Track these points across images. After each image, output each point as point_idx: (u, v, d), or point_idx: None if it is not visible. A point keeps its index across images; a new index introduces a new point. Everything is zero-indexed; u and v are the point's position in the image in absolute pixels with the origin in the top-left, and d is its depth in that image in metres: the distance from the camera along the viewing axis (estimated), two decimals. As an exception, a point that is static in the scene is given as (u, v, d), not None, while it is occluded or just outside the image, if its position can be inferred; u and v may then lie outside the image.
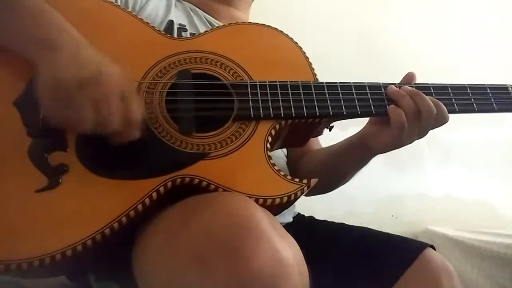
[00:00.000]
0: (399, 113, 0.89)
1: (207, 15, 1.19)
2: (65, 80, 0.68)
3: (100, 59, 0.73)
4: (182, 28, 1.07)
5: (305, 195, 0.81)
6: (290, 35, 0.96)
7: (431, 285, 0.91)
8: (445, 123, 0.93)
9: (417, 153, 2.16)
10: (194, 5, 1.20)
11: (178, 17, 1.11)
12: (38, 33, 0.75)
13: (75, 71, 0.69)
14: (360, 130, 1.02)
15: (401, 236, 1.05)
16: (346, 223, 1.12)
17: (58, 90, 0.69)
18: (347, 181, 1.16)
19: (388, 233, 1.06)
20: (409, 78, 0.98)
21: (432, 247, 0.98)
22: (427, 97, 0.90)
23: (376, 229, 1.08)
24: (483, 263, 1.82)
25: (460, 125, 2.19)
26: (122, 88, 0.71)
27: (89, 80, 0.68)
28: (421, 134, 0.93)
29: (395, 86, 0.94)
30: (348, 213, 1.98)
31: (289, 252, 0.60)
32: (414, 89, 0.92)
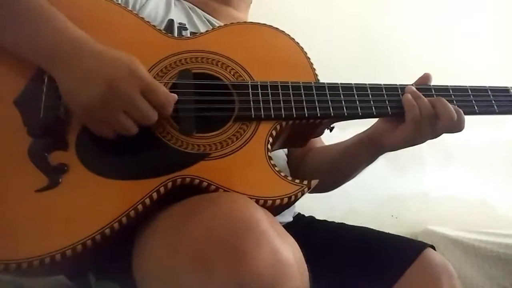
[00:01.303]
0: (414, 105, 0.90)
1: (206, 14, 1.19)
2: (88, 100, 0.72)
3: (105, 61, 0.74)
4: (182, 27, 1.07)
5: (310, 193, 0.81)
6: (292, 36, 0.96)
7: (431, 285, 0.91)
8: (459, 131, 0.94)
9: (418, 153, 2.15)
10: (193, 4, 1.20)
11: (177, 16, 1.11)
12: (39, 43, 0.77)
13: (92, 88, 0.72)
14: (370, 128, 1.03)
15: (401, 236, 1.05)
16: (346, 223, 1.12)
17: (87, 111, 0.73)
18: (352, 179, 1.15)
19: (388, 233, 1.06)
20: (424, 79, 0.99)
21: (432, 247, 0.98)
22: (449, 104, 0.91)
23: (376, 229, 1.08)
24: (483, 263, 1.82)
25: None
26: (138, 83, 0.73)
27: (107, 94, 0.71)
28: (435, 135, 0.94)
29: (399, 88, 0.95)
30: (348, 213, 1.98)
31: (289, 252, 0.60)
32: (436, 97, 0.93)
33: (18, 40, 0.79)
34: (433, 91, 0.96)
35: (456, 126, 0.92)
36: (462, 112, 0.92)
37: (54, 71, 0.76)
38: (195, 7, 1.19)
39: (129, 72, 0.73)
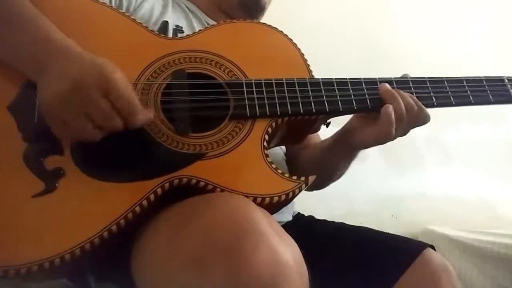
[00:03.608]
0: (390, 113, 0.89)
1: (207, 17, 1.19)
2: (47, 101, 0.71)
3: (81, 64, 0.72)
4: (178, 30, 1.06)
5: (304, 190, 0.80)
6: (292, 35, 0.96)
7: (431, 285, 0.91)
8: (425, 123, 0.93)
9: (417, 153, 2.15)
10: (199, 8, 1.20)
11: (175, 18, 1.10)
12: (25, 52, 0.76)
13: (52, 90, 0.70)
14: (345, 124, 1.02)
15: (401, 236, 1.05)
16: (346, 223, 1.12)
17: (48, 113, 0.72)
18: (340, 175, 1.15)
19: (388, 233, 1.06)
20: None
21: (432, 247, 0.98)
22: (407, 95, 0.91)
23: (376, 229, 1.08)
24: (483, 263, 1.82)
25: (460, 124, 2.20)
26: (102, 84, 0.70)
27: (66, 94, 0.69)
28: (404, 133, 0.93)
29: (388, 80, 0.94)
30: (348, 213, 1.97)
31: (288, 253, 0.60)
32: (394, 89, 0.92)
33: (5, 48, 0.78)
34: (427, 83, 0.96)
35: (420, 118, 0.92)
36: (419, 102, 0.91)
37: (38, 80, 0.75)
38: (196, 10, 1.19)
39: (98, 74, 0.70)
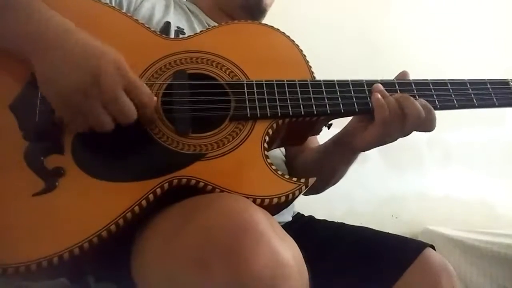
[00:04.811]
0: (383, 105, 0.88)
1: (209, 18, 1.19)
2: (68, 88, 0.70)
3: (92, 52, 0.72)
4: (179, 31, 1.06)
5: (302, 194, 0.80)
6: (292, 35, 0.95)
7: (431, 285, 0.91)
8: (431, 130, 0.91)
9: (417, 153, 2.15)
10: (201, 9, 1.20)
11: (177, 20, 1.10)
12: (23, 31, 0.75)
13: (75, 77, 0.70)
14: (344, 127, 1.01)
15: (401, 236, 1.05)
16: (346, 223, 1.12)
17: (65, 99, 0.71)
18: (338, 179, 1.14)
19: (388, 233, 1.06)
20: (402, 77, 0.97)
21: (432, 247, 0.98)
22: (417, 101, 0.89)
23: (376, 229, 1.07)
24: (483, 263, 1.82)
25: (460, 125, 2.20)
26: (123, 79, 0.72)
27: (91, 86, 0.70)
28: (405, 134, 0.91)
29: (390, 82, 0.93)
30: (348, 213, 1.98)
31: (288, 253, 0.60)
32: (403, 95, 0.90)
33: (3, 29, 0.77)
34: (430, 85, 0.94)
35: (426, 124, 0.89)
36: (432, 110, 0.89)
37: (36, 59, 0.74)
38: (197, 11, 1.18)
39: (115, 68, 0.71)
